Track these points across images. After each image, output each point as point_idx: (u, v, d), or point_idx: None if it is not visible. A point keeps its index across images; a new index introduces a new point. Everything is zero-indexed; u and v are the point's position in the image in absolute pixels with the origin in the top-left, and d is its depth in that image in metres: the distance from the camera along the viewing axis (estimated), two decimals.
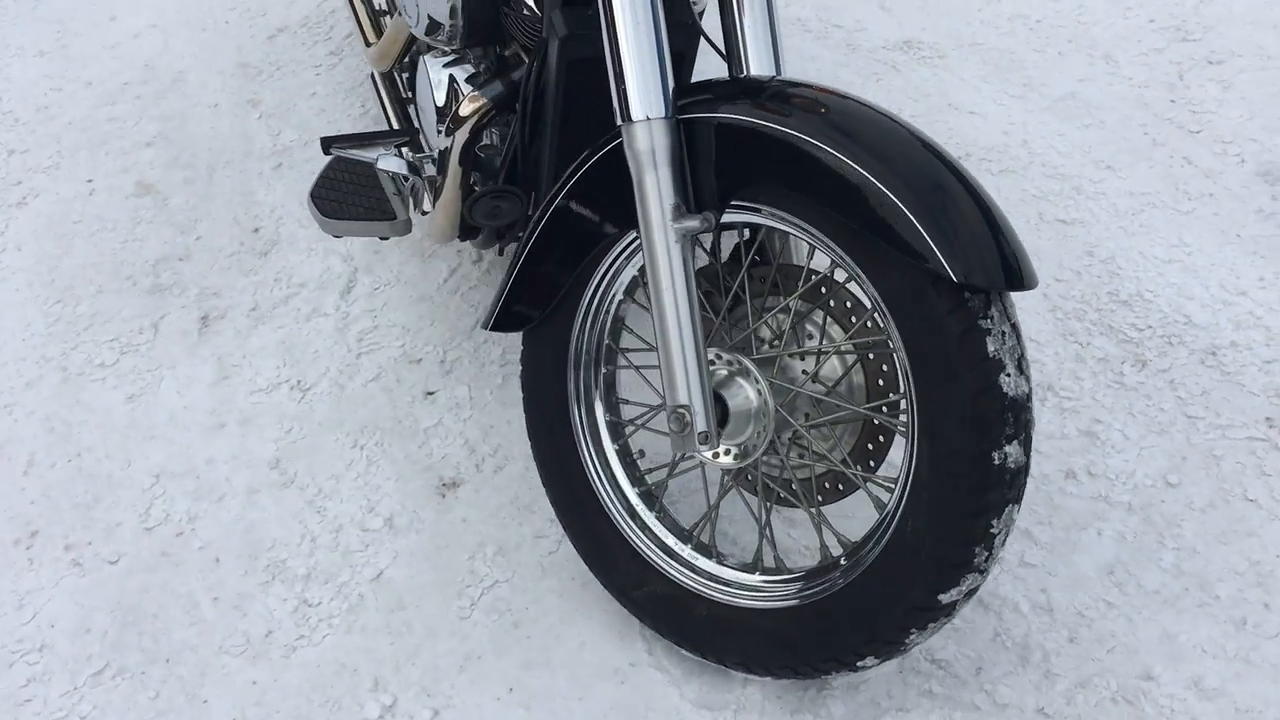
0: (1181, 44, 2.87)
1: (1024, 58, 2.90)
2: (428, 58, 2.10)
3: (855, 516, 1.80)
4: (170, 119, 3.04)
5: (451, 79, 2.04)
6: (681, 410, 1.51)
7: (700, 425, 1.51)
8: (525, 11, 1.81)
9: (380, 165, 1.96)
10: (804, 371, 1.62)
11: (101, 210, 2.73)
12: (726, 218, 1.51)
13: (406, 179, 2.08)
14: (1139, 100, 2.71)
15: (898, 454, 1.47)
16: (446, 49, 2.02)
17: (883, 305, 1.41)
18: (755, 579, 1.64)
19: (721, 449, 1.62)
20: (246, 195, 2.75)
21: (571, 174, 1.64)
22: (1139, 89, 2.74)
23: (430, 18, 1.85)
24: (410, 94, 2.51)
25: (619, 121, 1.49)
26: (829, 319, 1.59)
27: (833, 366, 1.60)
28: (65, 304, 2.47)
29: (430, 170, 2.05)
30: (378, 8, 2.68)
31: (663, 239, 1.48)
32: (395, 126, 2.44)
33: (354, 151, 1.99)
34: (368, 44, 2.51)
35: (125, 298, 2.47)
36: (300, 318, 2.39)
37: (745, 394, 1.58)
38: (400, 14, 2.30)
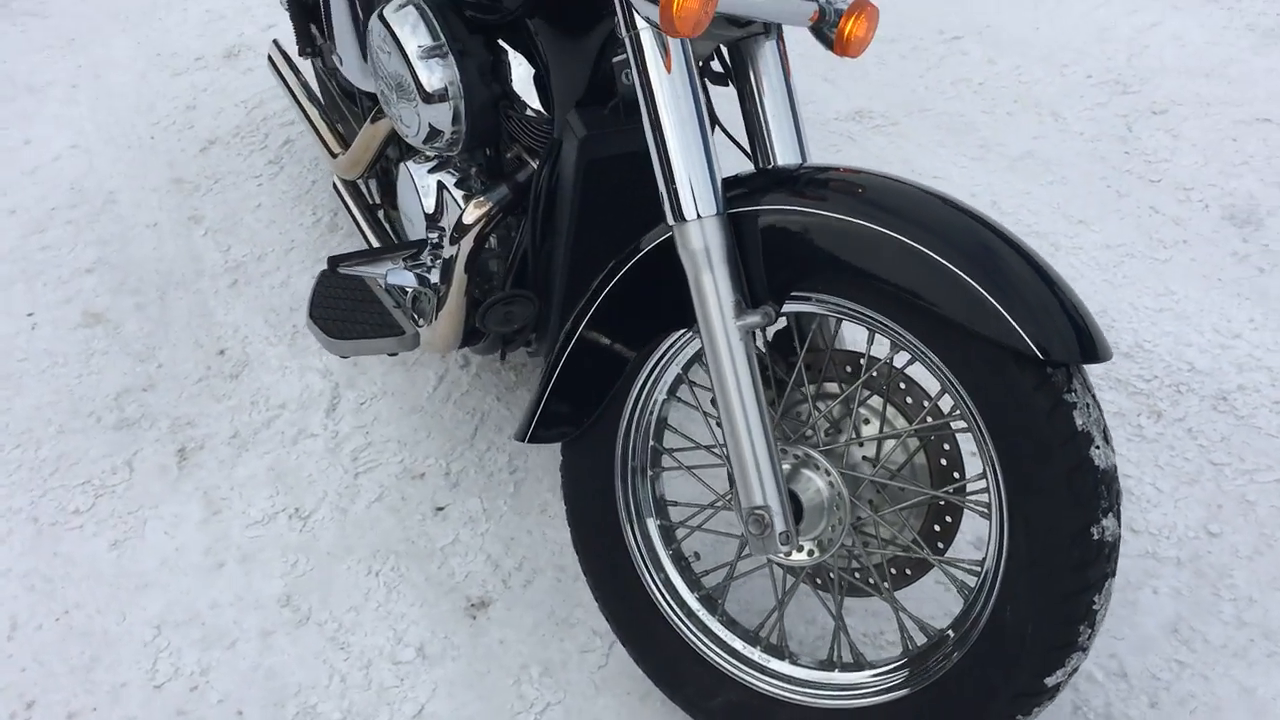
0: (1123, 96, 2.95)
1: (975, 120, 2.95)
2: (410, 164, 2.03)
3: (926, 599, 1.75)
4: (108, 242, 2.91)
5: (440, 185, 1.98)
6: (760, 512, 1.45)
7: (780, 525, 1.45)
8: (530, 113, 1.76)
9: (390, 280, 1.88)
10: (864, 458, 1.58)
11: (49, 345, 2.58)
12: (785, 308, 1.47)
13: (405, 291, 2.00)
14: (1094, 154, 2.77)
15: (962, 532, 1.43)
16: (433, 155, 1.97)
17: (959, 387, 1.37)
18: (845, 677, 1.57)
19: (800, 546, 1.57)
20: (205, 316, 2.63)
21: (607, 278, 1.58)
22: (1092, 143, 2.81)
23: (431, 126, 1.79)
24: (379, 201, 2.44)
25: (671, 221, 1.44)
26: (887, 403, 1.56)
27: (895, 450, 1.57)
28: (25, 448, 2.31)
29: (434, 278, 1.97)
30: (332, 119, 2.60)
31: (725, 338, 1.43)
32: (368, 235, 2.36)
33: (362, 268, 1.91)
34: (333, 154, 2.43)
35: (90, 436, 2.32)
36: (286, 441, 2.27)
37: (815, 486, 1.53)
38: (370, 123, 2.24)
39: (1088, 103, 2.96)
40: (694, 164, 1.42)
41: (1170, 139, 2.76)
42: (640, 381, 1.63)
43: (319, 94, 2.72)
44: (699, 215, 1.42)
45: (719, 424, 1.54)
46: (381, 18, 1.82)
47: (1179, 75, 3.01)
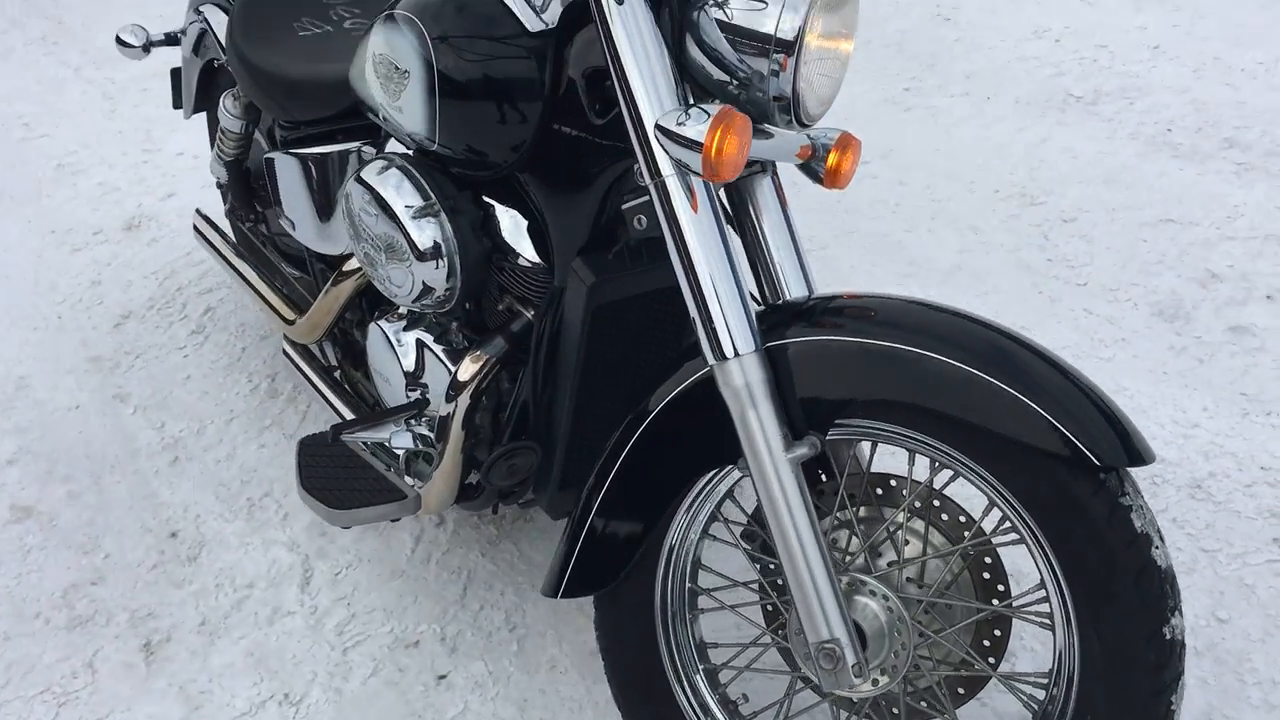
0: (1033, 208, 3.11)
1: (900, 239, 3.05)
2: (383, 323, 2.00)
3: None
4: (28, 431, 2.75)
5: (420, 342, 1.94)
6: (829, 646, 1.42)
7: (851, 657, 1.43)
8: (524, 264, 1.75)
9: (396, 443, 1.81)
10: (908, 579, 1.57)
11: None
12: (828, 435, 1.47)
13: (398, 453, 1.94)
14: (1019, 263, 2.90)
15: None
16: (414, 311, 1.94)
17: (1011, 500, 1.38)
18: None
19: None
20: (149, 498, 2.49)
21: (635, 423, 1.56)
22: (1014, 253, 2.94)
23: (424, 284, 1.76)
24: (335, 364, 2.37)
25: (711, 361, 1.43)
26: (929, 523, 1.56)
27: (938, 568, 1.56)
28: None
29: (428, 437, 1.92)
30: (275, 285, 2.54)
31: (775, 474, 1.41)
32: (331, 400, 2.29)
33: (365, 434, 1.85)
34: (287, 320, 2.37)
35: (42, 640, 2.15)
36: (261, 622, 2.14)
37: (872, 612, 1.51)
38: (332, 286, 2.19)
39: (1001, 215, 3.10)
40: (729, 302, 1.42)
41: (1086, 244, 2.91)
42: (676, 524, 1.60)
43: (255, 261, 2.66)
44: (738, 352, 1.41)
45: (755, 559, 1.52)
46: (362, 181, 1.80)
47: (1079, 184, 3.19)
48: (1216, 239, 2.88)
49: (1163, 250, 2.83)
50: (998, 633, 1.55)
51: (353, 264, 2.14)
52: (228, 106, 2.41)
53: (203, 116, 2.82)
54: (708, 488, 1.58)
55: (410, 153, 1.81)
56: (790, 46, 1.41)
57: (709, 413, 1.48)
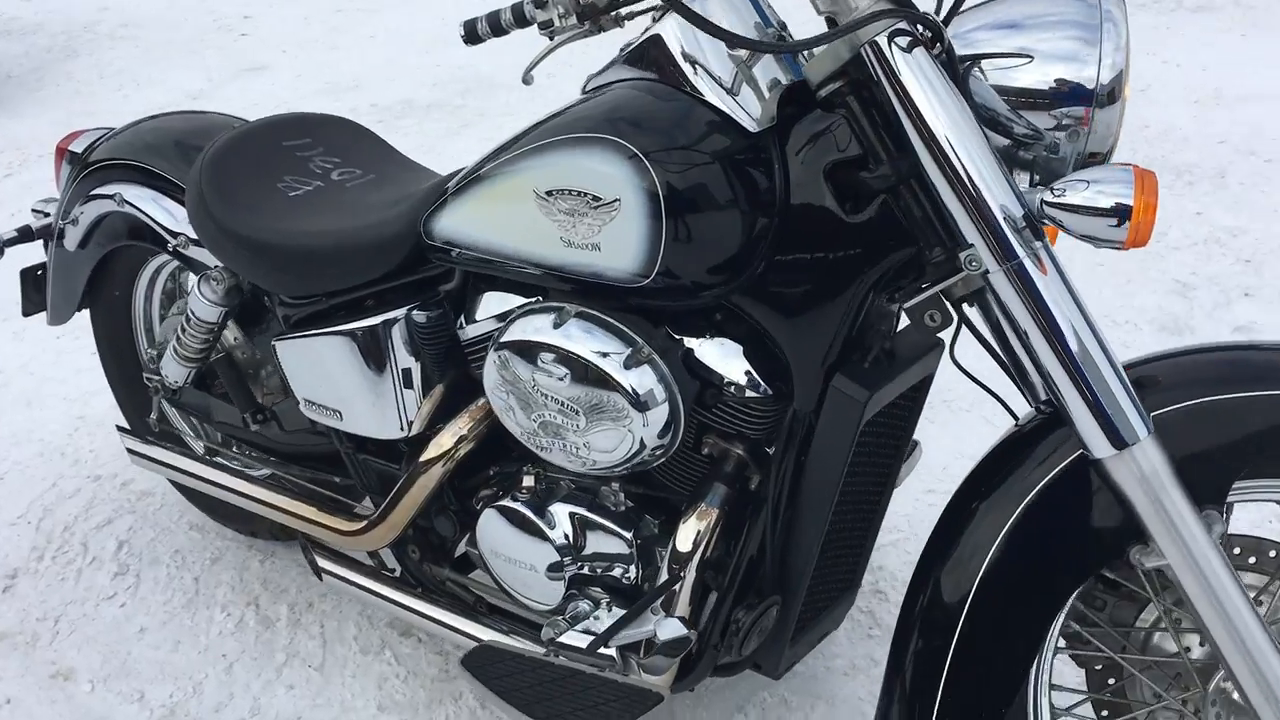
0: None
1: None
2: (507, 504, 1.71)
3: None
4: None
5: (578, 518, 1.67)
6: None
7: None
8: (743, 395, 1.51)
9: (664, 635, 1.50)
10: None
11: None
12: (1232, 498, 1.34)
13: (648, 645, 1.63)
14: None
15: None
16: (532, 486, 1.69)
17: None
18: None
19: None
20: None
21: (978, 560, 1.37)
22: None
23: (642, 440, 1.48)
24: (406, 566, 2.00)
25: (1098, 455, 1.27)
26: None
27: None
28: None
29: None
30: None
31: (1207, 558, 1.27)
32: (408, 606, 1.91)
33: (617, 633, 1.53)
34: (348, 533, 1.96)
35: None
36: None
37: None
38: (420, 476, 1.83)
39: None
40: (1111, 379, 1.27)
41: None
42: (1035, 666, 1.41)
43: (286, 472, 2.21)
44: (1139, 437, 1.26)
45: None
46: (528, 343, 1.52)
47: None
48: (1164, 251, 3.01)
49: (1127, 271, 2.92)
50: None
51: (438, 447, 1.81)
52: (204, 294, 2.00)
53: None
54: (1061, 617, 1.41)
55: (559, 305, 1.54)
56: (1108, 96, 1.30)
57: (1078, 510, 1.32)
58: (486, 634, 1.79)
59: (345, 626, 2.27)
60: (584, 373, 1.49)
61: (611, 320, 1.50)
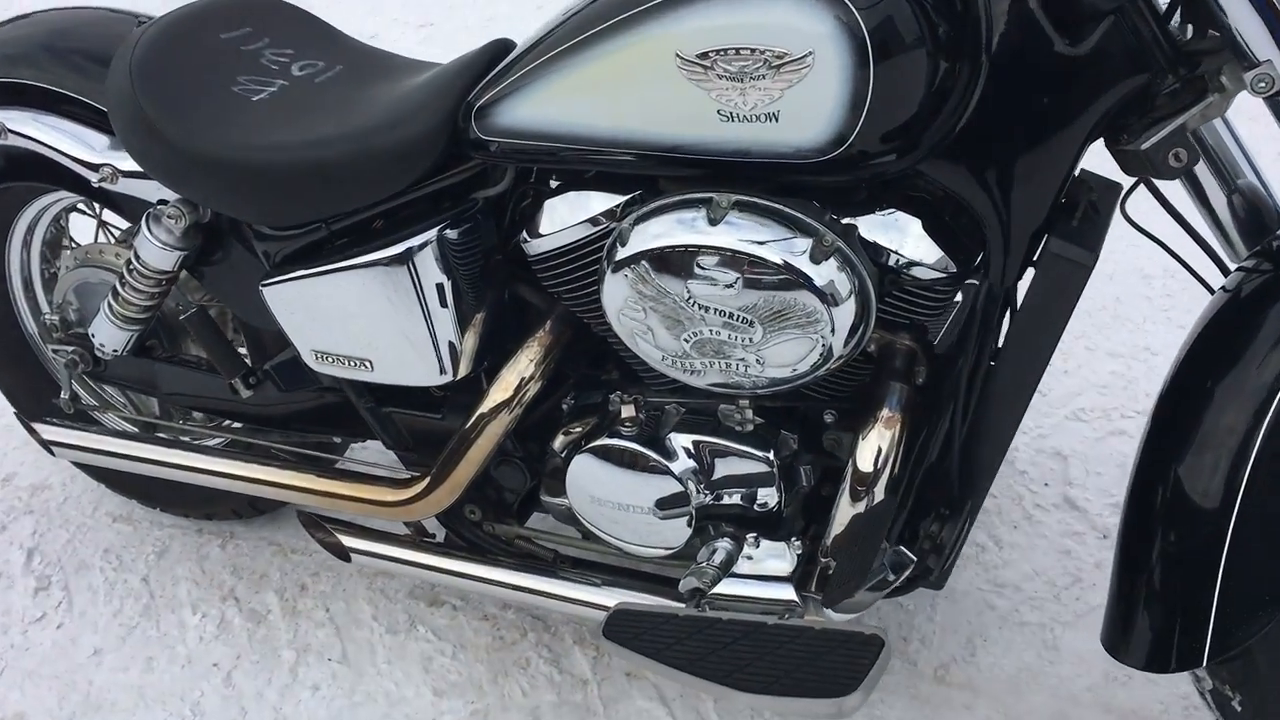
0: None
1: None
2: (606, 441, 1.46)
3: None
4: None
5: (704, 446, 1.43)
6: None
7: None
8: (923, 275, 1.27)
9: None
10: None
11: None
12: None
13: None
14: None
15: None
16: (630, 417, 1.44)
17: None
18: None
19: None
20: None
21: (1244, 441, 1.20)
22: None
23: (831, 344, 1.24)
24: (460, 529, 1.70)
25: None
26: None
27: None
28: None
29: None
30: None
31: None
32: (475, 574, 1.62)
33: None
34: (400, 503, 1.62)
35: None
36: None
37: None
38: (476, 434, 1.52)
39: None
40: None
41: None
42: None
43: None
44: None
45: None
46: (683, 248, 1.23)
47: None
48: None
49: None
50: None
51: (504, 389, 1.51)
52: (156, 236, 1.58)
53: None
54: None
55: (703, 196, 1.25)
56: None
57: None
58: (607, 596, 1.53)
59: (357, 606, 1.94)
60: (762, 274, 1.21)
61: (778, 207, 1.23)
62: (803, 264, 1.20)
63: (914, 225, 1.27)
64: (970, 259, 1.28)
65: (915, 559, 1.37)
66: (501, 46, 1.46)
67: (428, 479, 1.58)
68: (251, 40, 1.64)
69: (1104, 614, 1.32)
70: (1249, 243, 1.32)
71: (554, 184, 1.45)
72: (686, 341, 1.29)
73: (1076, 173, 1.27)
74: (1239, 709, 1.35)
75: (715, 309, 1.25)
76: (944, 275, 1.27)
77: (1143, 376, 2.23)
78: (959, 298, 1.30)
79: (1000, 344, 1.37)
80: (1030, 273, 1.28)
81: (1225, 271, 1.36)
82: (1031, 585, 1.82)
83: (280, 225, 1.54)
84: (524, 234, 1.42)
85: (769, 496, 1.45)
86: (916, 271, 1.27)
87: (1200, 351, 1.27)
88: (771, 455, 1.42)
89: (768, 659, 1.29)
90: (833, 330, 1.23)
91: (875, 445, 1.33)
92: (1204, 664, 1.23)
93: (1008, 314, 1.37)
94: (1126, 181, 1.33)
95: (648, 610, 1.40)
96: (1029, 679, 1.69)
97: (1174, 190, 1.32)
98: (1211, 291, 1.40)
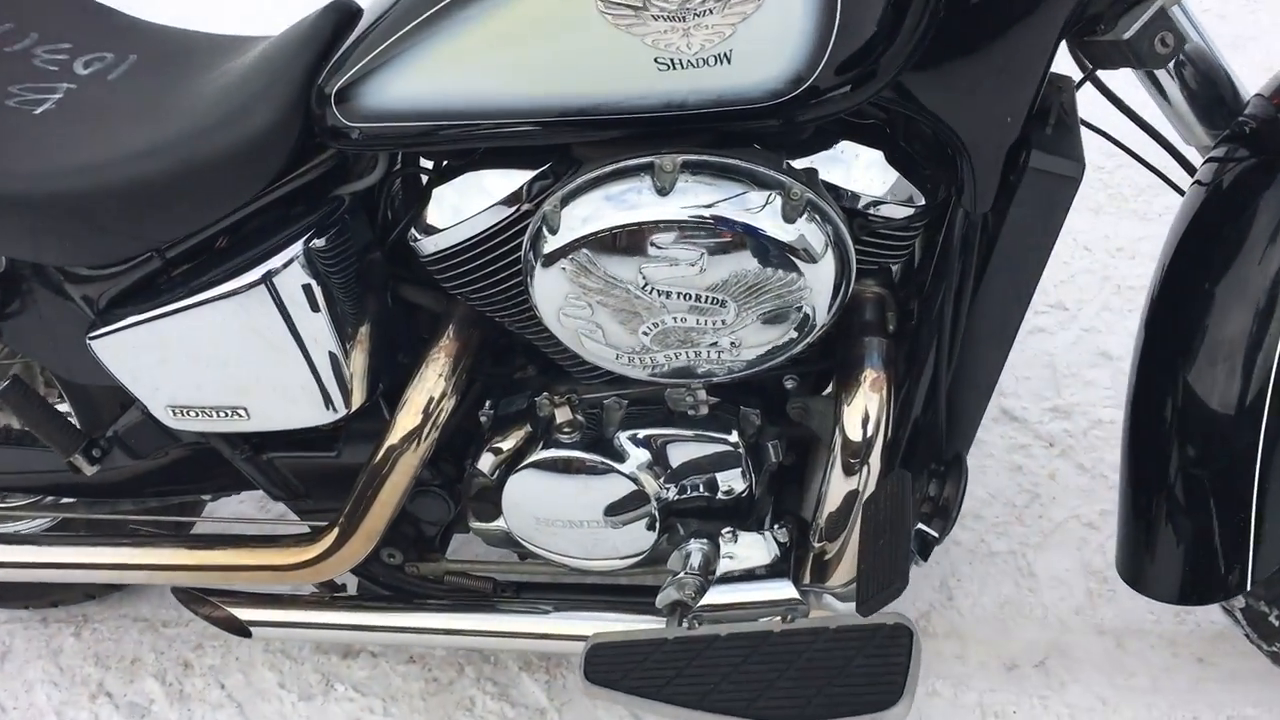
0: None
1: None
2: (544, 454, 1.27)
3: None
4: None
5: (657, 440, 1.26)
6: None
7: None
8: (889, 214, 1.11)
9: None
10: None
11: None
12: None
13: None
14: None
15: None
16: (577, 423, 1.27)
17: None
18: None
19: None
20: None
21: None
22: None
23: (812, 308, 1.06)
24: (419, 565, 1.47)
25: None
26: None
27: None
28: None
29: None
30: None
31: None
32: (409, 627, 1.41)
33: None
34: (300, 565, 1.37)
35: None
36: None
37: None
38: (385, 478, 1.30)
39: None
40: None
41: None
42: None
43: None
44: None
45: None
46: (630, 227, 1.03)
47: None
48: None
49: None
50: None
51: (413, 414, 1.28)
52: None
53: None
54: None
55: (643, 162, 1.05)
56: None
57: None
58: (565, 623, 1.34)
59: (258, 675, 1.68)
60: (730, 243, 1.02)
61: (734, 162, 1.04)
62: (776, 224, 1.02)
63: (874, 157, 1.10)
64: (937, 188, 1.13)
65: (937, 536, 1.23)
66: (345, 10, 1.21)
67: (335, 530, 1.34)
68: (13, 39, 1.33)
69: (1117, 543, 1.22)
70: (1210, 127, 1.21)
71: (425, 164, 1.23)
72: (646, 335, 1.10)
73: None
74: (1277, 623, 1.28)
75: (679, 293, 1.06)
76: (915, 210, 1.11)
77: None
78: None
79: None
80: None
81: (1181, 160, 1.26)
82: (991, 510, 1.72)
83: (99, 263, 1.25)
84: (412, 231, 1.19)
85: (737, 482, 1.28)
86: (885, 210, 1.11)
87: (1188, 251, 1.17)
88: (734, 436, 1.26)
89: (790, 677, 1.12)
90: (815, 293, 1.06)
91: (862, 409, 1.18)
92: (1248, 589, 1.14)
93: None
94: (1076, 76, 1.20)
95: (629, 639, 1.22)
96: (1013, 613, 1.59)
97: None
98: (1163, 177, 1.31)
